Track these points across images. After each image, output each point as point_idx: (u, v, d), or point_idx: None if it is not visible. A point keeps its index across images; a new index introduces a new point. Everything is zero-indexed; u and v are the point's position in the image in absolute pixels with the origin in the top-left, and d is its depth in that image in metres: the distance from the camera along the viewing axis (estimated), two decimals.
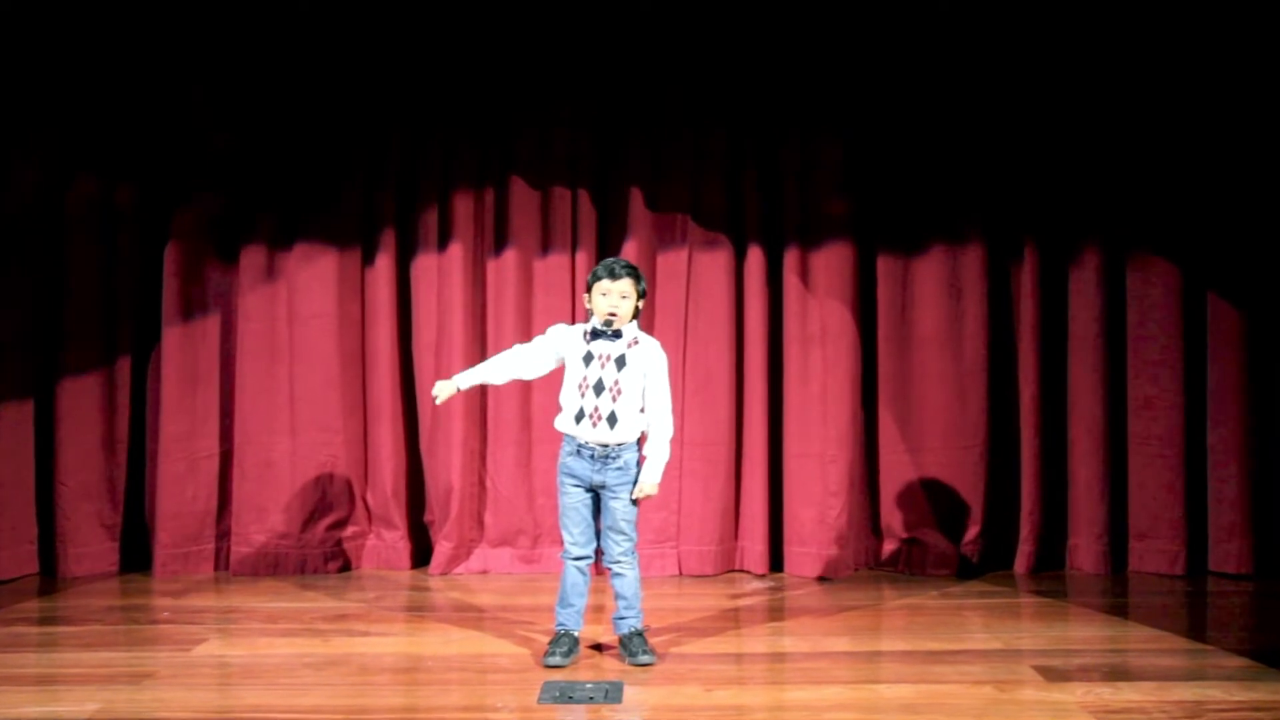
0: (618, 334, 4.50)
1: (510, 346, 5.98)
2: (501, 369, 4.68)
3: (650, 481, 4.49)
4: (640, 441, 4.55)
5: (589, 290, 4.54)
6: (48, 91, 5.86)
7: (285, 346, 6.09)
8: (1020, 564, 6.07)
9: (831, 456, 5.98)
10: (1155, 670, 4.41)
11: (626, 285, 4.49)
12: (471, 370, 4.74)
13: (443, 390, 4.64)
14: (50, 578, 5.92)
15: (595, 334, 4.51)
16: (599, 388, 4.47)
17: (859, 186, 6.08)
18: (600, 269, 4.53)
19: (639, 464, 4.52)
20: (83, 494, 5.98)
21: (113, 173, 6.01)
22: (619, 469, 4.49)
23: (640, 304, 4.56)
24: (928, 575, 6.02)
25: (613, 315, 4.47)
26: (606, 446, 4.47)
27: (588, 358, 4.50)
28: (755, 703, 4.13)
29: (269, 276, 6.10)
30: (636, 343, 4.54)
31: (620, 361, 4.49)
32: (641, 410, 4.52)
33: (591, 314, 4.55)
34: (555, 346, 4.60)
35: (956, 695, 4.15)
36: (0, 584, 5.72)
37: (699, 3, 5.92)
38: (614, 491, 4.49)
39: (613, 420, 4.46)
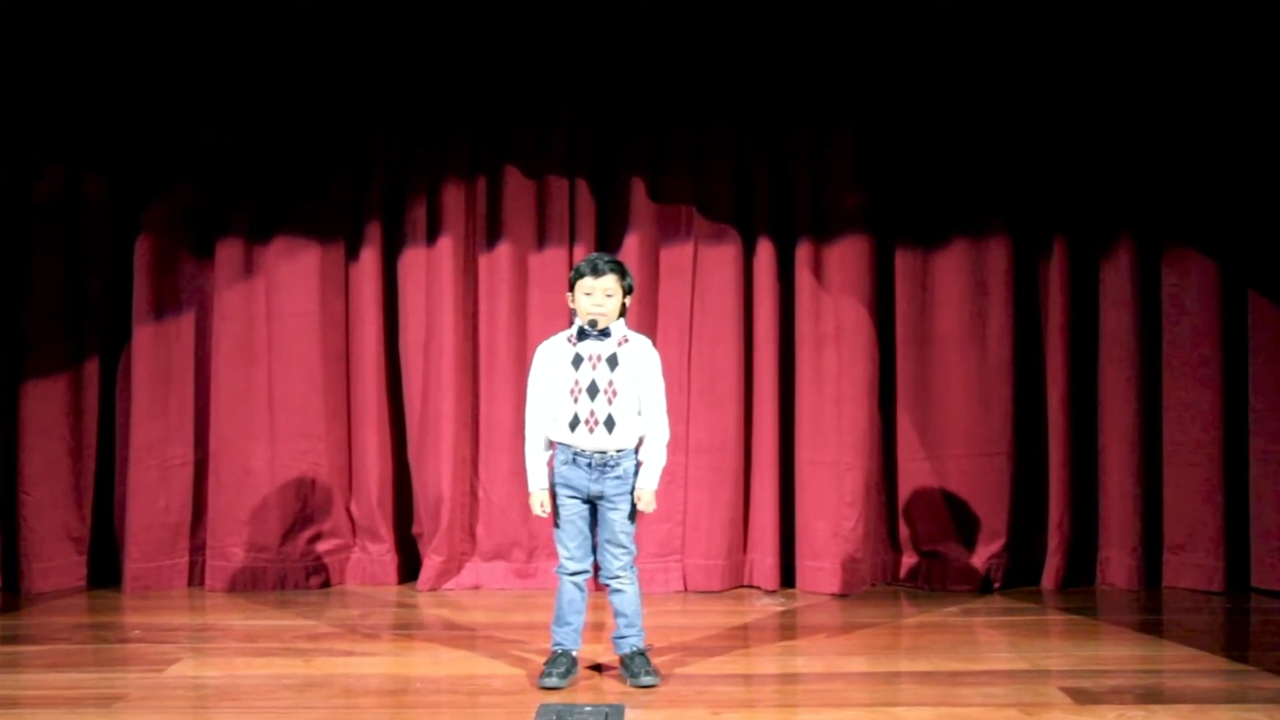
0: (606, 333, 4.50)
1: (502, 345, 6.08)
2: (543, 438, 4.56)
3: (648, 489, 4.48)
4: (639, 448, 4.55)
5: (571, 289, 4.54)
6: (13, 80, 5.86)
7: (264, 346, 6.10)
8: (1048, 579, 6.07)
9: (847, 464, 5.98)
10: (1192, 692, 4.41)
11: (610, 282, 4.48)
12: (534, 466, 4.56)
13: (544, 504, 4.54)
14: (13, 594, 5.91)
15: (582, 334, 4.51)
16: (593, 390, 4.46)
17: (875, 176, 6.08)
18: (583, 265, 4.52)
19: (638, 472, 4.52)
20: (48, 504, 5.98)
21: (82, 163, 6.02)
22: (617, 478, 4.48)
23: (628, 300, 4.57)
24: (949, 591, 6.02)
25: (597, 315, 4.48)
26: (605, 454, 4.46)
27: (577, 360, 4.50)
28: None
29: (247, 272, 6.11)
30: (626, 341, 4.54)
31: (612, 361, 4.49)
32: (638, 413, 4.51)
33: (575, 314, 4.55)
34: (547, 370, 4.57)
35: (980, 719, 4.14)
36: None
37: None
38: (612, 502, 4.49)
39: (610, 424, 4.45)
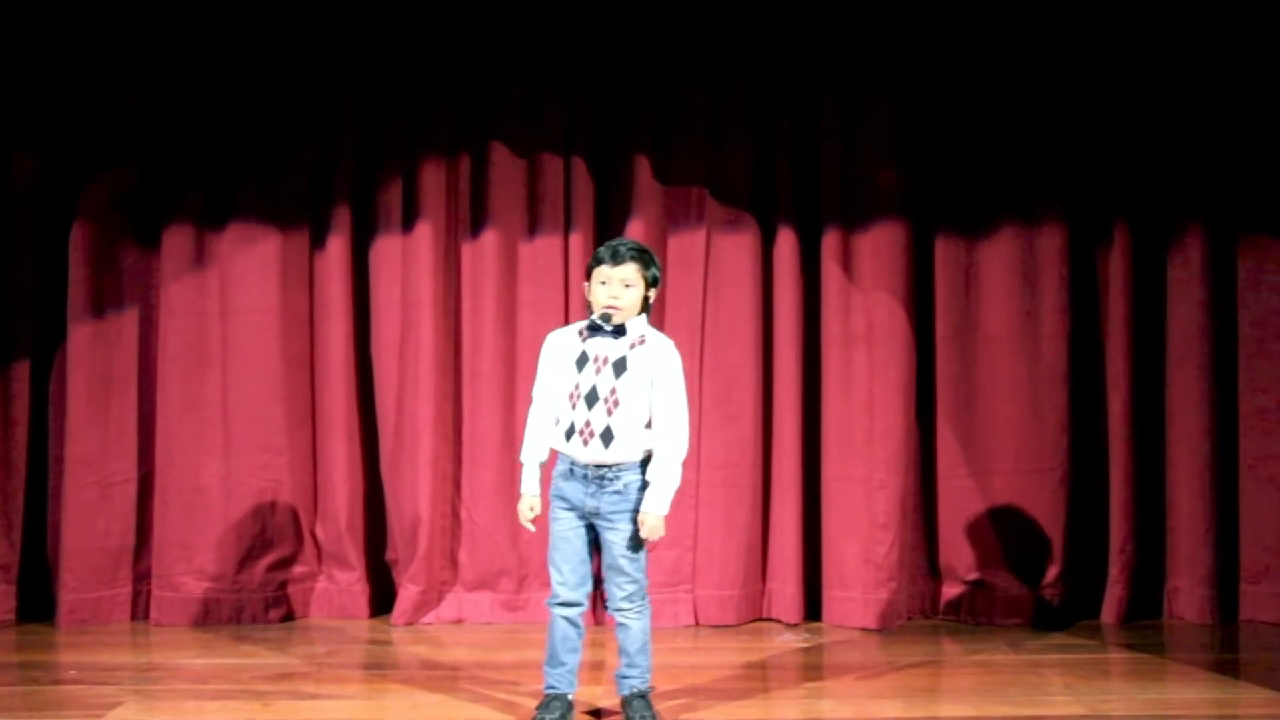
0: (620, 331, 4.48)
1: (488, 345, 6.09)
2: (545, 430, 4.57)
3: (654, 514, 4.41)
4: (646, 462, 4.51)
5: (588, 277, 4.53)
6: None
7: (217, 348, 6.10)
8: (1109, 611, 6.08)
9: (880, 481, 5.99)
10: None
11: (630, 271, 4.46)
12: (529, 468, 4.57)
13: (533, 510, 4.56)
14: None
15: (593, 330, 4.49)
16: (592, 398, 4.43)
17: (914, 154, 6.09)
18: (602, 251, 4.52)
19: (643, 488, 4.47)
20: None
21: (8, 140, 6.01)
22: (616, 493, 4.45)
23: (652, 294, 4.53)
24: (997, 625, 6.03)
25: (612, 308, 4.45)
26: (601, 467, 4.44)
27: (582, 360, 4.48)
28: None
29: (197, 263, 6.11)
30: (643, 342, 4.51)
31: (620, 366, 4.46)
32: (647, 426, 4.48)
33: (590, 307, 4.53)
34: (554, 363, 4.55)
35: None
36: None
37: None
38: (610, 520, 4.46)
39: (607, 437, 4.42)
